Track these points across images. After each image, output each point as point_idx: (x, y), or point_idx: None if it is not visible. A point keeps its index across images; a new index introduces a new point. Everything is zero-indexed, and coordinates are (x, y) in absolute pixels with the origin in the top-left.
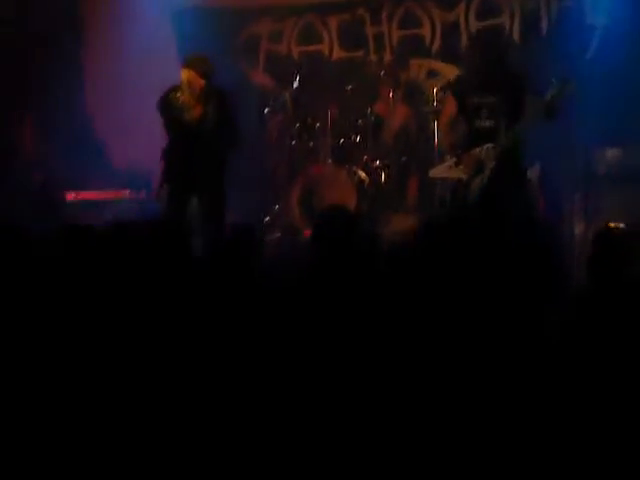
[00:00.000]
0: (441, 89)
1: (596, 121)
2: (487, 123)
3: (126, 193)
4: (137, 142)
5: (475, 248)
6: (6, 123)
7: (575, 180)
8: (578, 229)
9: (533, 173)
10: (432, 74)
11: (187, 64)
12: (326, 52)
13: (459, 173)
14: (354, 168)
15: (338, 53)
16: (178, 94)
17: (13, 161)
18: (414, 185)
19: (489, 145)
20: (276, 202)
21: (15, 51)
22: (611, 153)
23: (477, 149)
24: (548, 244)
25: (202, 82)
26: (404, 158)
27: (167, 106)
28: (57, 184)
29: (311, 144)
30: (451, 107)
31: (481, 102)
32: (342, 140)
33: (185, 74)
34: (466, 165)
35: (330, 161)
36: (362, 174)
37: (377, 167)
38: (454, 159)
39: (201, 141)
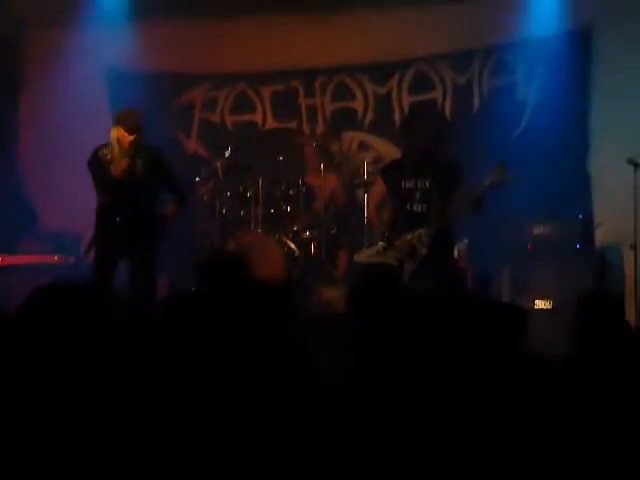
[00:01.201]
0: (372, 162)
1: (526, 196)
2: (419, 207)
3: (54, 258)
4: (69, 205)
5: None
6: None
7: (503, 254)
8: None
9: (461, 247)
10: (364, 147)
11: (117, 121)
12: (259, 122)
13: (388, 259)
14: (284, 238)
15: (271, 123)
16: (106, 150)
17: None
18: (343, 258)
19: (421, 230)
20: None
21: None
22: (539, 229)
23: (408, 235)
24: (474, 322)
25: (130, 137)
26: (334, 230)
27: (96, 163)
28: None
29: (242, 212)
30: (380, 190)
31: (414, 186)
32: (273, 209)
33: (114, 131)
34: (397, 251)
35: (260, 230)
36: (292, 244)
37: (307, 238)
38: (382, 244)
39: (131, 197)
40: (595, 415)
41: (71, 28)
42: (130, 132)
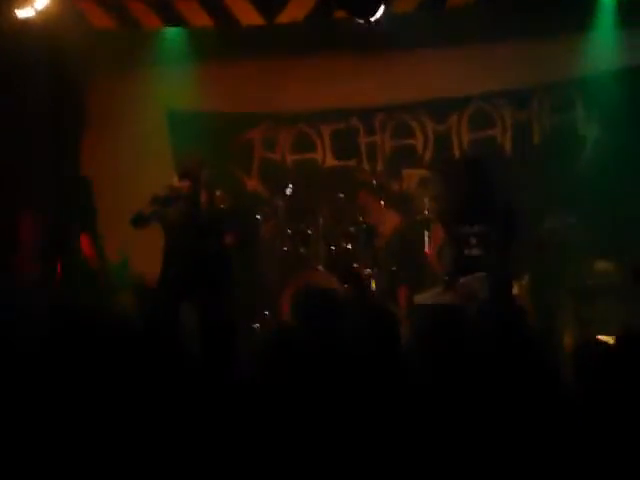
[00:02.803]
0: (432, 199)
1: (588, 233)
2: (476, 252)
3: None
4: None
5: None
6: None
7: (563, 292)
8: (567, 340)
9: (522, 285)
10: (423, 183)
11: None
12: (319, 160)
13: (447, 301)
14: (345, 275)
15: (331, 161)
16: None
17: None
18: (403, 294)
19: (480, 274)
20: (266, 308)
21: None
22: (601, 265)
23: (468, 277)
24: (540, 358)
25: (184, 183)
26: (394, 267)
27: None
28: None
29: (302, 250)
30: (439, 234)
31: (470, 231)
32: (333, 247)
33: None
34: (456, 293)
35: (321, 268)
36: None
37: (367, 275)
38: (443, 286)
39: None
40: None
41: (133, 73)
42: (181, 178)
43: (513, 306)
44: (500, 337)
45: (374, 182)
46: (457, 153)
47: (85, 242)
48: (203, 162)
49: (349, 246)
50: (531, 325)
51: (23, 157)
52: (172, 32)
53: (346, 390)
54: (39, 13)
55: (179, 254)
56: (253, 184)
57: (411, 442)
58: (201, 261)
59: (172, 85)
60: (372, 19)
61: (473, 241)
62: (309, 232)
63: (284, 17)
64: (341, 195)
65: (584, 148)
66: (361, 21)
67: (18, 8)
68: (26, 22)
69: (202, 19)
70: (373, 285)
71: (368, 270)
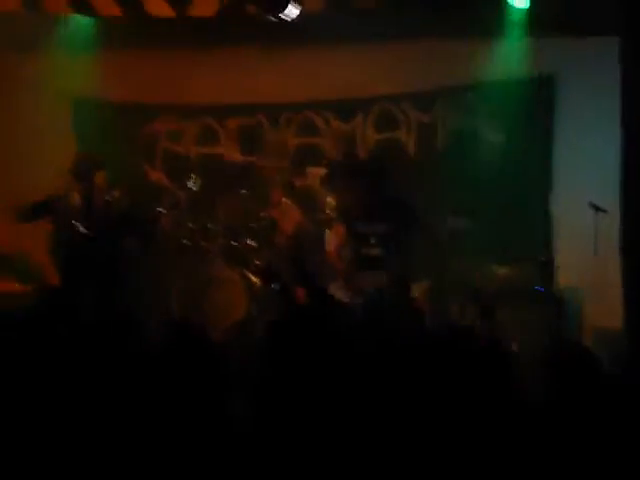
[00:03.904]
0: (334, 197)
1: (487, 237)
2: (375, 251)
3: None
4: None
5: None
6: None
7: (464, 295)
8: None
9: (421, 288)
10: (326, 181)
11: None
12: (224, 154)
13: (344, 297)
14: (245, 271)
15: (235, 156)
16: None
17: None
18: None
19: (379, 272)
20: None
21: None
22: (500, 270)
23: (367, 275)
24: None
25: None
26: (295, 264)
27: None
28: None
29: (203, 244)
30: (340, 233)
31: (370, 230)
32: (235, 242)
33: None
34: (354, 290)
35: (221, 262)
36: (253, 278)
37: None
38: (341, 282)
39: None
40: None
41: (37, 54)
42: (75, 179)
43: (410, 306)
44: (387, 334)
45: (278, 178)
46: (361, 153)
47: None
48: (99, 163)
49: (251, 242)
50: (427, 327)
51: None
52: (79, 19)
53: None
54: None
55: (75, 258)
56: (157, 176)
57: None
58: (98, 265)
59: (77, 73)
60: (282, 16)
61: (373, 240)
62: (210, 226)
63: (195, 10)
64: (244, 191)
65: (486, 153)
66: (271, 17)
67: None
68: None
69: (111, 8)
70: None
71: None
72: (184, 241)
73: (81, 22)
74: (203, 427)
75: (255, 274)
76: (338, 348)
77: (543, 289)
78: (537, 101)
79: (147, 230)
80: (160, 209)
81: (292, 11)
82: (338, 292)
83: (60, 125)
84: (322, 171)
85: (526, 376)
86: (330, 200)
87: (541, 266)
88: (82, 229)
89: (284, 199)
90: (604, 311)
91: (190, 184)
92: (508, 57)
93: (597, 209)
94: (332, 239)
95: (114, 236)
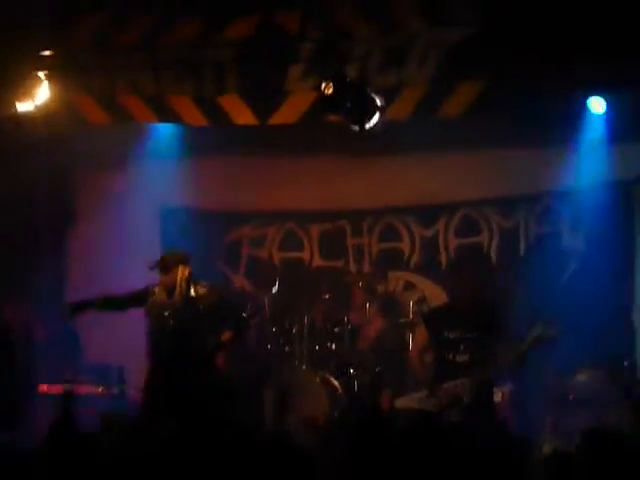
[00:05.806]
0: (417, 302)
1: (570, 345)
2: (462, 358)
3: (98, 389)
4: (112, 337)
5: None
6: None
7: (545, 402)
8: (547, 450)
9: (504, 393)
10: (409, 287)
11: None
12: (306, 259)
13: (429, 406)
14: (327, 375)
15: (318, 261)
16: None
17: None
18: (387, 397)
19: (464, 380)
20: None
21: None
22: (581, 377)
23: (452, 383)
24: (518, 468)
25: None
26: (378, 368)
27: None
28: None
29: (287, 349)
30: (423, 334)
31: (457, 337)
32: (317, 346)
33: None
34: (439, 399)
35: (304, 367)
36: (335, 382)
37: (350, 377)
38: (425, 391)
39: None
40: None
41: (124, 167)
42: (162, 272)
43: (494, 414)
44: (481, 445)
45: (360, 284)
46: (443, 258)
47: None
48: (183, 258)
49: (333, 346)
50: (511, 434)
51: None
52: (165, 128)
53: None
54: (38, 108)
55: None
56: (240, 281)
57: None
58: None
59: (164, 181)
60: (367, 126)
61: (456, 346)
62: (294, 330)
63: (278, 118)
64: (327, 295)
65: (569, 260)
66: (355, 127)
67: (19, 101)
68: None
69: (195, 116)
70: (356, 386)
71: (352, 371)
72: (267, 346)
73: (166, 130)
74: None
75: (337, 379)
76: (421, 458)
77: (629, 395)
78: (618, 207)
79: (239, 325)
80: (244, 314)
81: (377, 122)
82: (425, 401)
83: (148, 233)
84: (405, 275)
85: None
86: (413, 305)
87: (625, 374)
88: (170, 320)
89: (367, 304)
90: None
91: (274, 289)
92: (589, 163)
93: None
94: (414, 343)
95: (203, 328)
